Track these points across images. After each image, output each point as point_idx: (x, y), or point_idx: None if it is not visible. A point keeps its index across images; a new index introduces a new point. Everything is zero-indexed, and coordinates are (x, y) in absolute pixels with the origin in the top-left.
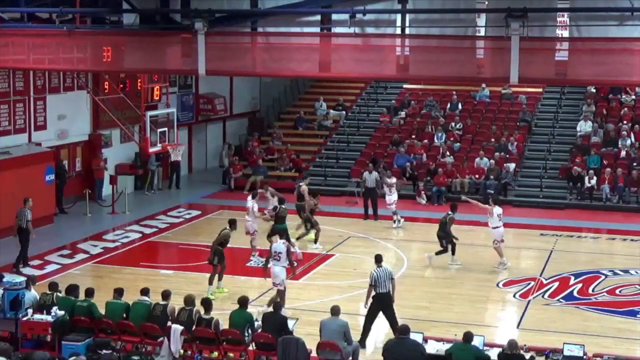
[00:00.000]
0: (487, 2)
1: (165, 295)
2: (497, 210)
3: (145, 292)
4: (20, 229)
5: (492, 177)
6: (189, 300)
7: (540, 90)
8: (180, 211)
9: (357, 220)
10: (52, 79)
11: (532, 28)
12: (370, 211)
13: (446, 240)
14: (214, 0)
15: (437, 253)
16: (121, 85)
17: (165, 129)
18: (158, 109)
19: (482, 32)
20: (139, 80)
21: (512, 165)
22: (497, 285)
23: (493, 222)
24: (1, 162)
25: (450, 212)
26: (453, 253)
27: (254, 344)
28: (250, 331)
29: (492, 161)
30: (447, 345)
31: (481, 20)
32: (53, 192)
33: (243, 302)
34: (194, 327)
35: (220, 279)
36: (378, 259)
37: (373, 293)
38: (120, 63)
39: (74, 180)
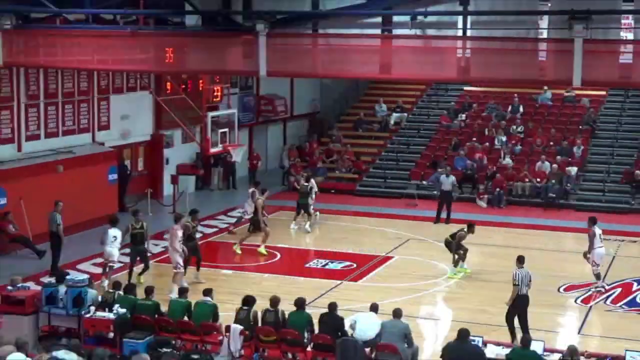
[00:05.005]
0: (549, 4)
1: (250, 300)
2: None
3: (207, 292)
4: (51, 233)
5: (553, 181)
6: (273, 301)
7: (603, 93)
8: (240, 211)
9: (417, 222)
10: (116, 80)
11: (596, 30)
12: (443, 215)
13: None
14: (275, 2)
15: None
16: (183, 86)
17: (226, 129)
18: (219, 110)
19: (545, 34)
20: (201, 81)
21: (574, 169)
22: (558, 290)
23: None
24: (65, 162)
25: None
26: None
27: (311, 344)
28: (308, 332)
29: (555, 165)
30: (507, 350)
31: (544, 22)
32: (115, 192)
33: (300, 303)
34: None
35: None
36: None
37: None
38: (182, 64)
39: (136, 180)
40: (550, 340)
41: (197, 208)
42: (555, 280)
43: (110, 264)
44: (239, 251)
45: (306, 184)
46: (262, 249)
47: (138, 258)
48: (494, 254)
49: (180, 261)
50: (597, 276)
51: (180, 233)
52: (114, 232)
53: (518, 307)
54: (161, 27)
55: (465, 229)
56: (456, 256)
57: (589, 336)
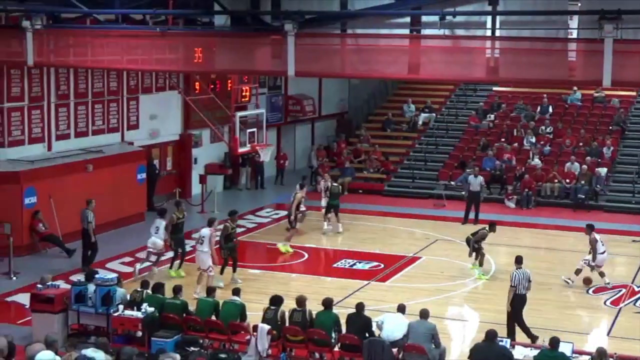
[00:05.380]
0: (579, 4)
1: (278, 300)
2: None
3: (235, 292)
4: (83, 231)
5: (583, 182)
6: (300, 301)
7: (634, 93)
8: (268, 211)
9: (445, 223)
10: (145, 79)
11: (626, 30)
12: (472, 215)
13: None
14: (304, 2)
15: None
16: (212, 86)
17: (255, 129)
18: (247, 110)
19: (575, 34)
20: (229, 81)
21: (603, 170)
22: (587, 292)
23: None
24: (94, 161)
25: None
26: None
27: (339, 344)
28: (336, 332)
29: (584, 166)
30: (535, 352)
31: (573, 22)
32: (144, 191)
33: (328, 303)
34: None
35: None
36: None
37: None
38: (211, 64)
39: (164, 180)
40: (579, 342)
41: (235, 209)
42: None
43: (155, 254)
44: (283, 250)
45: (336, 184)
46: (284, 246)
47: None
48: (523, 255)
49: (211, 264)
50: (601, 274)
51: (215, 236)
52: (157, 223)
53: (517, 307)
54: (190, 27)
55: (487, 228)
56: (479, 256)
57: (618, 338)
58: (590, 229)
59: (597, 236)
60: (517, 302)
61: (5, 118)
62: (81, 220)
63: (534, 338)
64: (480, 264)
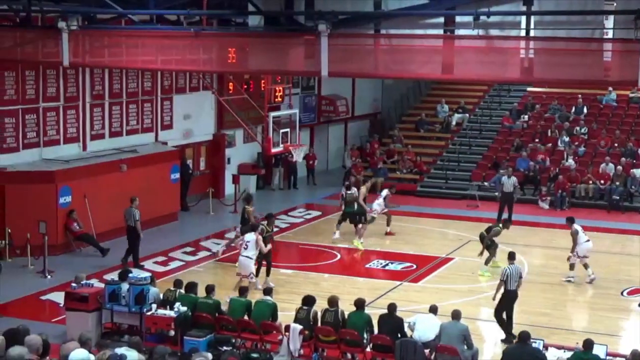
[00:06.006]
0: (615, 4)
1: (310, 300)
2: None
3: (267, 291)
4: (128, 228)
5: (617, 183)
6: (332, 301)
7: None
8: (301, 211)
9: (478, 224)
10: (179, 80)
11: None
12: (504, 216)
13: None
14: (337, 2)
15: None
16: (245, 86)
17: (288, 129)
18: (281, 110)
19: (610, 35)
20: (263, 81)
21: (638, 172)
22: (622, 293)
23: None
24: (129, 161)
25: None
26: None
27: (370, 345)
28: (368, 333)
29: (619, 167)
30: (569, 354)
31: (609, 22)
32: (178, 191)
33: (360, 304)
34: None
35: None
36: None
37: None
38: (244, 64)
39: (197, 179)
40: (614, 344)
41: (271, 212)
42: (619, 284)
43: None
44: (361, 247)
45: (350, 192)
46: (358, 243)
47: None
48: (557, 256)
49: (253, 270)
50: (572, 267)
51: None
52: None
53: (504, 302)
54: (224, 28)
55: (500, 225)
56: (487, 254)
57: None
58: (570, 221)
59: (579, 227)
60: (506, 297)
61: (40, 118)
62: (125, 218)
63: (511, 337)
64: (486, 263)
